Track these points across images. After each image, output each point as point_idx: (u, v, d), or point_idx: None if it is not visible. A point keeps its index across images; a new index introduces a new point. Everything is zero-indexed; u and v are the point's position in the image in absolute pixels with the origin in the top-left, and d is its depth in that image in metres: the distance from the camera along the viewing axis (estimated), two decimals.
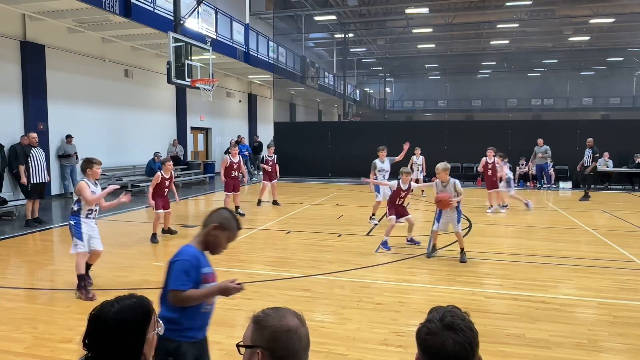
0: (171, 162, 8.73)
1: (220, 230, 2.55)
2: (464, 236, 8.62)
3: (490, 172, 11.51)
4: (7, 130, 11.90)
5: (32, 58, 12.48)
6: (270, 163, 12.54)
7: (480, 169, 11.76)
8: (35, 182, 9.45)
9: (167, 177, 8.40)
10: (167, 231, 8.59)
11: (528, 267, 6.72)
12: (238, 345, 1.41)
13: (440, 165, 7.08)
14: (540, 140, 16.49)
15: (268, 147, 13.32)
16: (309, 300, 5.28)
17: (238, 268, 6.59)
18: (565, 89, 37.61)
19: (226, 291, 2.42)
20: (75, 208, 5.47)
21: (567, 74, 36.94)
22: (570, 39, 32.17)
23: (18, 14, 12.10)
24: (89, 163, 5.48)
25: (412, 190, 8.28)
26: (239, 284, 2.43)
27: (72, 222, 5.48)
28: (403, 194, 7.99)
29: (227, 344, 4.04)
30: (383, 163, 10.21)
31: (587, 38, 32.22)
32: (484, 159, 11.71)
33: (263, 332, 1.37)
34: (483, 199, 12.60)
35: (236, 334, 4.24)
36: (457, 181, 7.05)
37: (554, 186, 17.08)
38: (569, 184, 16.92)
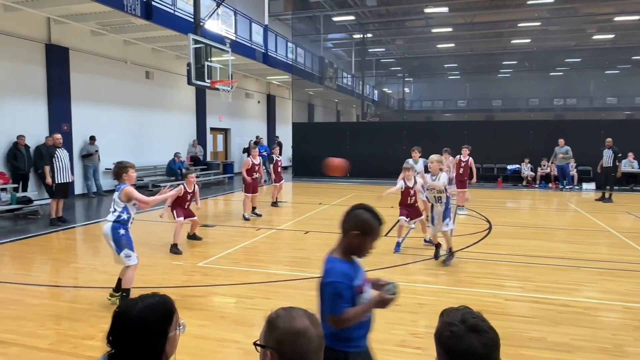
0: (194, 175, 8.26)
1: (362, 237, 2.34)
2: (482, 238, 8.54)
3: (462, 171, 11.17)
4: (33, 132, 12.19)
5: (57, 60, 12.77)
6: (280, 163, 12.66)
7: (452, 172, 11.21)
8: (59, 182, 9.65)
9: (190, 190, 7.83)
10: (192, 237, 8.31)
11: (550, 269, 6.61)
12: (255, 344, 1.44)
13: (434, 157, 6.85)
14: (561, 141, 16.19)
15: (273, 148, 13.28)
16: None
17: (257, 268, 6.63)
18: (588, 88, 36.88)
19: (382, 304, 2.35)
20: (125, 217, 5.07)
21: (590, 73, 36.21)
22: (594, 37, 31.50)
23: (43, 18, 12.39)
24: (123, 168, 5.07)
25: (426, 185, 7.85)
26: (386, 297, 2.34)
27: (121, 232, 5.04)
28: (412, 192, 7.77)
29: (245, 343, 4.07)
30: (416, 164, 9.82)
31: (611, 36, 31.50)
32: (458, 156, 11.31)
33: (272, 334, 1.40)
34: (503, 200, 12.46)
35: (254, 333, 4.24)
36: (444, 174, 6.77)
37: (576, 187, 16.77)
38: (592, 185, 16.57)
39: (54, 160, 9.58)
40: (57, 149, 9.72)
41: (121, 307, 1.59)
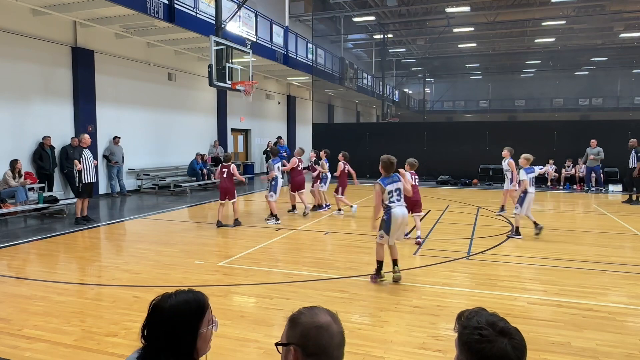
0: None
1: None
2: (505, 241, 8.42)
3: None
4: (59, 133, 12.49)
5: (82, 63, 13.06)
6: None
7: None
8: (86, 182, 9.83)
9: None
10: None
11: (574, 272, 6.47)
12: (276, 344, 1.46)
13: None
14: (593, 142, 15.83)
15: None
16: (346, 301, 5.27)
17: (277, 268, 6.66)
18: (615, 88, 35.96)
19: None
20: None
21: (617, 72, 35.30)
22: (622, 35, 30.72)
23: (70, 22, 12.69)
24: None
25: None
26: None
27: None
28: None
29: (265, 343, 4.09)
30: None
31: (639, 34, 30.71)
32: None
33: (295, 329, 1.42)
34: None
35: (274, 333, 4.28)
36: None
37: (602, 189, 16.37)
38: (618, 187, 16.17)
39: (81, 160, 9.74)
40: (84, 150, 9.90)
41: (158, 300, 1.62)
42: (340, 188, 11.27)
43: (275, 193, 10.20)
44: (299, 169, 11.33)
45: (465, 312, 1.42)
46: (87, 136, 10.05)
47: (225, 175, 9.75)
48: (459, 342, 1.38)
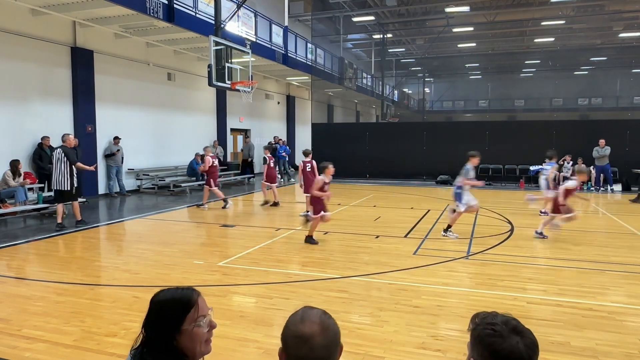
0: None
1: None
2: (504, 240, 8.43)
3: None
4: (58, 133, 12.42)
5: (82, 63, 13.05)
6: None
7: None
8: (77, 184, 9.72)
9: (327, 181, 8.26)
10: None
11: (574, 272, 6.47)
12: None
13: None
14: (602, 141, 15.86)
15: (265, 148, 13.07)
16: (346, 301, 5.27)
17: (275, 268, 6.66)
18: (614, 88, 36.00)
19: None
20: None
21: (616, 71, 35.35)
22: (621, 35, 30.77)
23: (69, 22, 12.68)
24: None
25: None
26: None
27: None
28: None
29: (264, 342, 4.09)
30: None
31: (638, 34, 30.73)
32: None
33: (284, 332, 1.41)
34: (525, 202, 12.25)
35: (274, 333, 4.27)
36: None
37: (602, 189, 16.38)
38: (618, 187, 16.18)
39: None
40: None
41: (157, 292, 1.66)
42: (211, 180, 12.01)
43: (461, 203, 8.80)
44: (308, 169, 11.13)
45: (480, 313, 1.44)
46: (71, 136, 9.87)
47: None
48: (471, 338, 1.38)
